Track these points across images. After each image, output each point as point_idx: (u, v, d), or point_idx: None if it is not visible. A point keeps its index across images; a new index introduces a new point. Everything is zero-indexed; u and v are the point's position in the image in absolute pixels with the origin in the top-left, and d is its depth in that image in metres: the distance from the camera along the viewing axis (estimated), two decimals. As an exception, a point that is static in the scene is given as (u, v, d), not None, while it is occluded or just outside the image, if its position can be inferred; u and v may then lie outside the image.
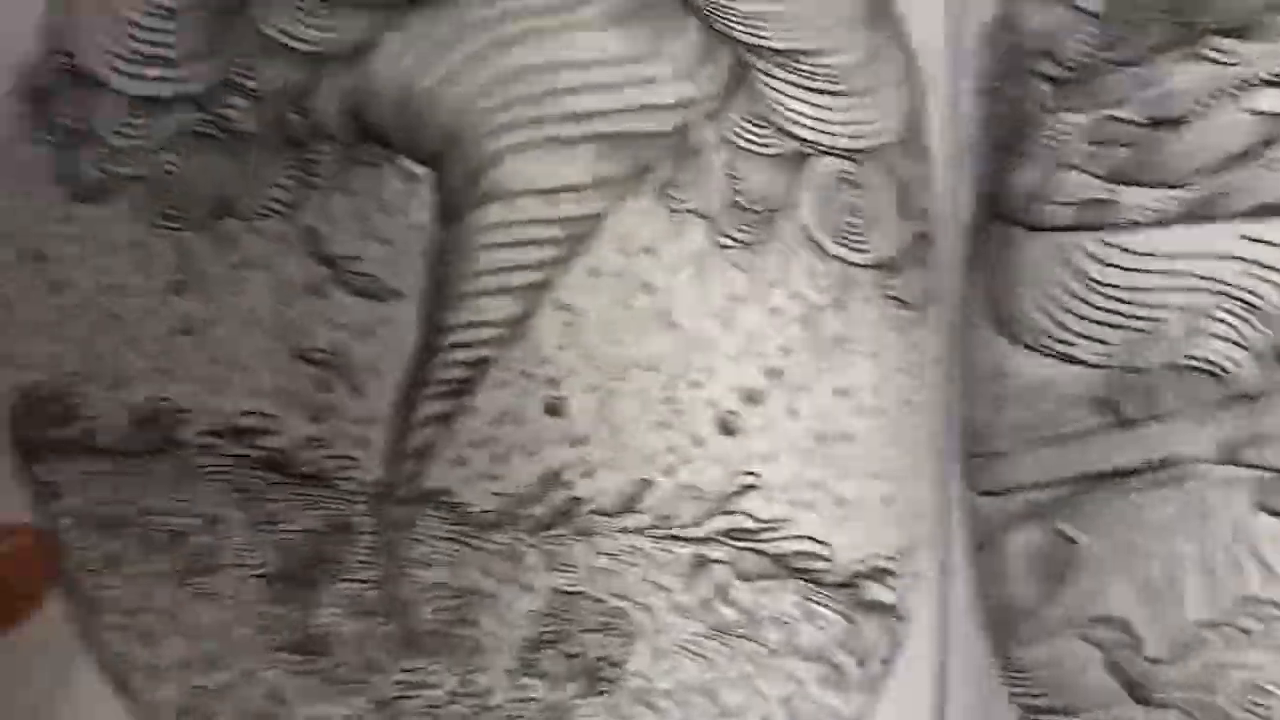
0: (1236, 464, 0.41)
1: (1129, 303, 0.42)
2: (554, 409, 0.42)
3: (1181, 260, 0.42)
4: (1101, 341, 0.43)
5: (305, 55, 0.41)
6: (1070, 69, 0.44)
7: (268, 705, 0.41)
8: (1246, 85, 0.42)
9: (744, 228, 0.43)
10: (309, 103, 0.41)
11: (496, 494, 0.41)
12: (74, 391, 0.40)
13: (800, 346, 0.43)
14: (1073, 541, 0.42)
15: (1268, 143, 0.42)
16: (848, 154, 0.43)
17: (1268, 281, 0.41)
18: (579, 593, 0.41)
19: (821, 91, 0.43)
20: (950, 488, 0.44)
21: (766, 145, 0.43)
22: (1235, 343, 0.41)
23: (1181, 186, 0.42)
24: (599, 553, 0.42)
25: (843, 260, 0.43)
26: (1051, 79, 0.44)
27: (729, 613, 0.42)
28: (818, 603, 0.42)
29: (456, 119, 0.42)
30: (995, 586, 0.43)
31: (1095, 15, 0.44)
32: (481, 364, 0.42)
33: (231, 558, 0.41)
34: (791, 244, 0.43)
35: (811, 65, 0.43)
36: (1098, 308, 0.43)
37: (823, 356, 0.43)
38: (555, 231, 0.42)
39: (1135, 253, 0.42)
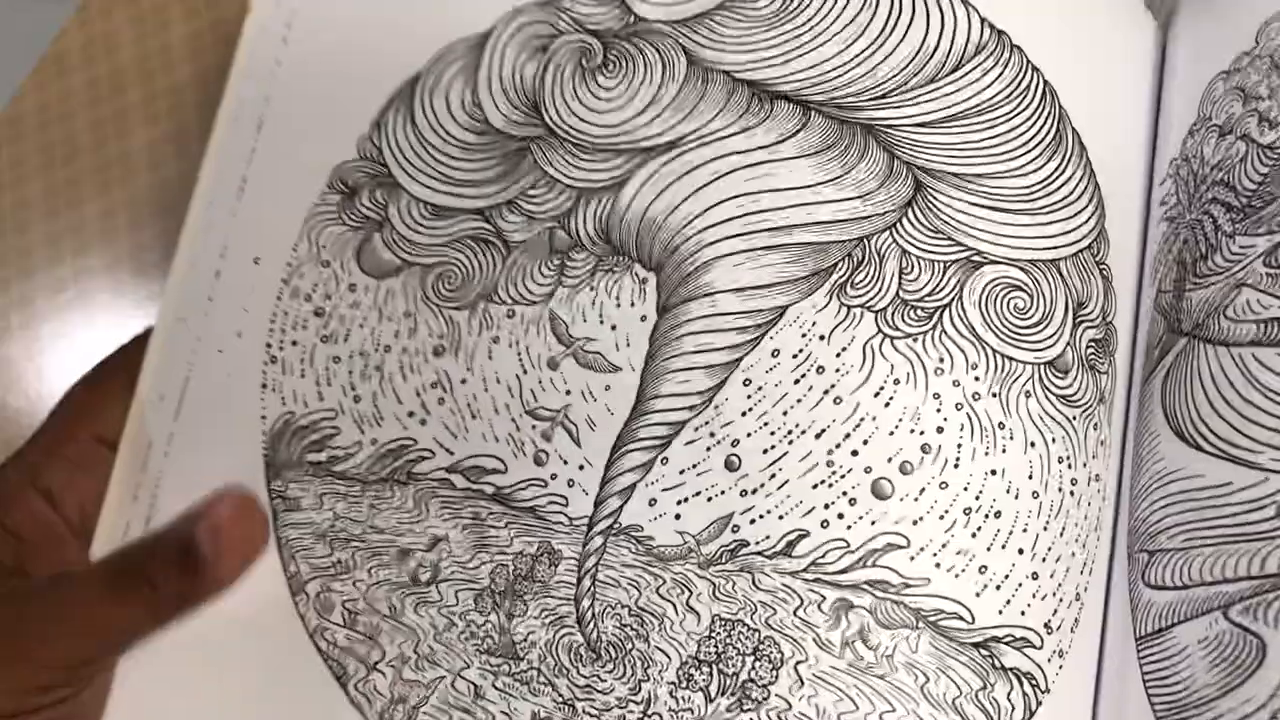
0: None
1: None
2: (731, 464, 0.49)
3: None
4: None
5: (572, 188, 0.54)
6: (1246, 196, 0.47)
7: (467, 699, 0.49)
8: None
9: (910, 321, 0.49)
10: (570, 222, 0.54)
11: (678, 531, 0.49)
12: (329, 425, 0.51)
13: (955, 427, 0.48)
14: (1258, 637, 0.42)
15: None
16: (1018, 263, 0.50)
17: None
18: (738, 620, 0.47)
19: (995, 209, 0.50)
20: (1115, 577, 0.46)
21: (938, 252, 0.50)
22: None
23: None
24: (757, 588, 0.47)
25: (1006, 356, 0.48)
26: (1228, 206, 0.48)
27: (867, 654, 0.45)
28: (952, 657, 0.45)
29: (676, 236, 0.52)
30: (1164, 674, 0.44)
31: (1276, 149, 0.47)
32: (678, 425, 0.50)
33: (449, 573, 0.50)
34: (955, 338, 0.49)
35: (986, 187, 0.51)
36: (1277, 417, 0.44)
37: (978, 438, 0.47)
38: (745, 322, 0.50)
39: None
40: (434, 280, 0.53)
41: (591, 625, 0.48)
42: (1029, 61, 0.52)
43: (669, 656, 0.47)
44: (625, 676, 0.47)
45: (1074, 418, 0.47)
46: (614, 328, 0.52)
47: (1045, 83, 0.51)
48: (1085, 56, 0.53)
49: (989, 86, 0.51)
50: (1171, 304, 0.48)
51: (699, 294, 0.51)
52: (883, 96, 0.52)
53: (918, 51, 0.52)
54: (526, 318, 0.52)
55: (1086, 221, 0.50)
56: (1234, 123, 0.49)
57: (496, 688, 0.48)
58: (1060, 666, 0.45)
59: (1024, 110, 0.51)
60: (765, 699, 0.46)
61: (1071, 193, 0.50)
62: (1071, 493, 0.47)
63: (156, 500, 0.49)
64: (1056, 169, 0.50)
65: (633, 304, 0.52)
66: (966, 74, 0.51)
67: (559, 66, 0.54)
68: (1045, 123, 0.51)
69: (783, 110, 0.52)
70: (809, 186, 0.51)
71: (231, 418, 0.50)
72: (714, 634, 0.47)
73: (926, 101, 0.51)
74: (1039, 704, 0.44)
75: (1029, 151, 0.50)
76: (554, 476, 0.50)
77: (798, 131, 0.52)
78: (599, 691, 0.48)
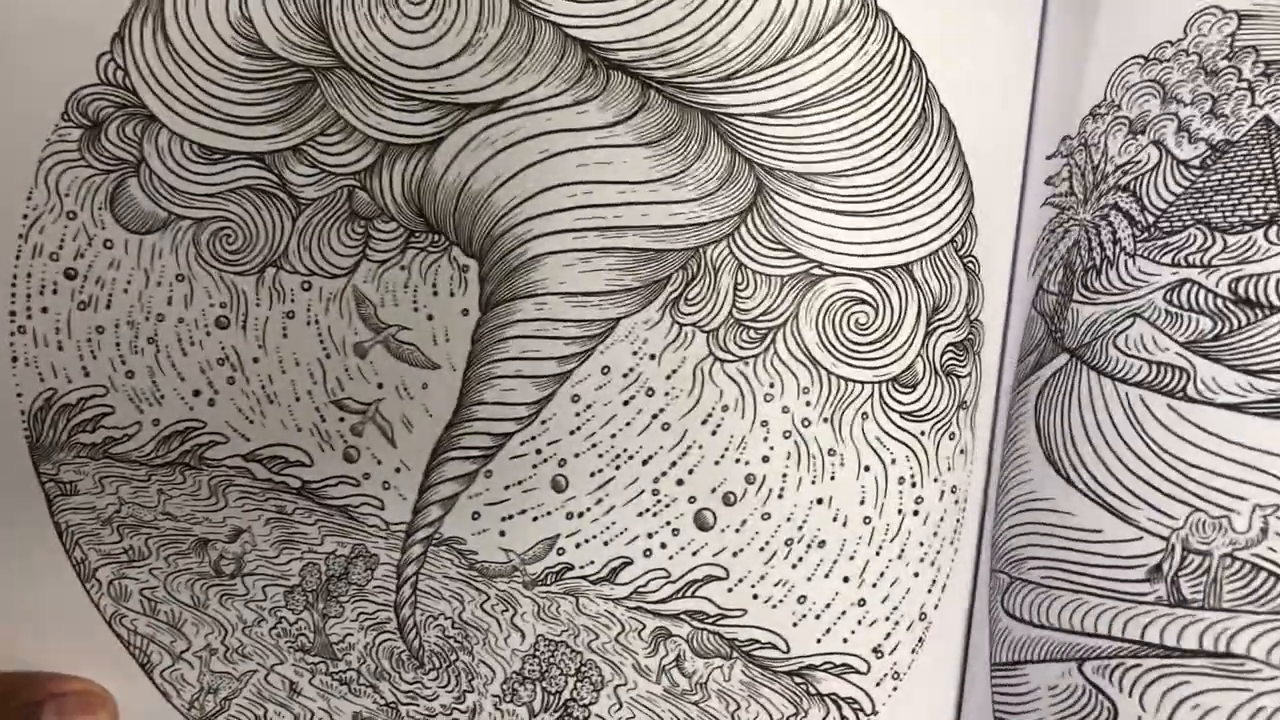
0: (1300, 675, 0.40)
1: (1197, 482, 0.41)
2: (558, 485, 0.47)
3: (1258, 456, 0.40)
4: (1162, 512, 0.41)
5: (374, 140, 0.46)
6: (1154, 214, 0.43)
7: (284, 694, 0.47)
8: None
9: (742, 343, 0.46)
10: (373, 183, 0.46)
11: (503, 548, 0.47)
12: (100, 403, 0.45)
13: (781, 456, 0.46)
14: (1110, 701, 0.42)
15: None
16: (863, 273, 0.46)
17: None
18: (561, 642, 0.47)
19: (840, 212, 0.46)
20: (980, 588, 0.45)
21: (776, 265, 0.46)
22: None
23: (1260, 376, 0.40)
24: (581, 612, 0.47)
25: (841, 377, 0.46)
26: (1131, 219, 0.43)
27: (682, 680, 0.47)
28: (765, 685, 0.47)
29: (501, 221, 0.46)
30: (1012, 709, 0.44)
31: (1192, 167, 0.42)
32: (503, 437, 0.47)
33: (254, 567, 0.47)
34: (788, 360, 0.46)
35: (833, 187, 0.46)
36: (1162, 476, 0.42)
37: (804, 467, 0.46)
38: (575, 331, 0.46)
39: (1208, 432, 0.41)
40: (209, 238, 0.46)
41: (414, 634, 0.47)
42: (894, 29, 0.46)
43: (494, 670, 0.47)
44: (450, 685, 0.47)
45: (922, 433, 0.46)
46: (431, 318, 0.46)
47: (912, 54, 0.45)
48: (961, 18, 0.46)
49: (847, 64, 0.45)
50: (1054, 309, 0.45)
51: (526, 293, 0.46)
52: (729, 78, 0.45)
53: (771, 18, 0.45)
54: (325, 292, 0.46)
55: (951, 212, 0.45)
56: (1147, 123, 0.43)
57: (314, 685, 0.47)
58: (894, 688, 0.46)
59: (885, 90, 0.45)
60: (586, 718, 0.47)
61: (935, 182, 0.45)
62: (915, 512, 0.46)
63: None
64: (919, 157, 0.45)
65: (452, 294, 0.46)
66: (822, 49, 0.45)
67: None
68: (909, 102, 0.45)
69: (620, 84, 0.45)
70: (646, 183, 0.45)
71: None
72: (538, 653, 0.47)
73: (775, 84, 0.45)
74: None
75: (888, 140, 0.45)
76: (366, 476, 0.47)
77: (636, 113, 0.45)
78: (423, 697, 0.48)
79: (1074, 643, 0.43)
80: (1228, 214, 0.42)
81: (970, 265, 0.46)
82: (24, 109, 0.44)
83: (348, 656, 0.47)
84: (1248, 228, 0.41)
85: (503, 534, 0.46)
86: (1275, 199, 0.41)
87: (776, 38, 0.44)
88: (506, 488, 0.46)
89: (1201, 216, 0.42)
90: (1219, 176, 0.42)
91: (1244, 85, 0.42)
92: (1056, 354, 0.45)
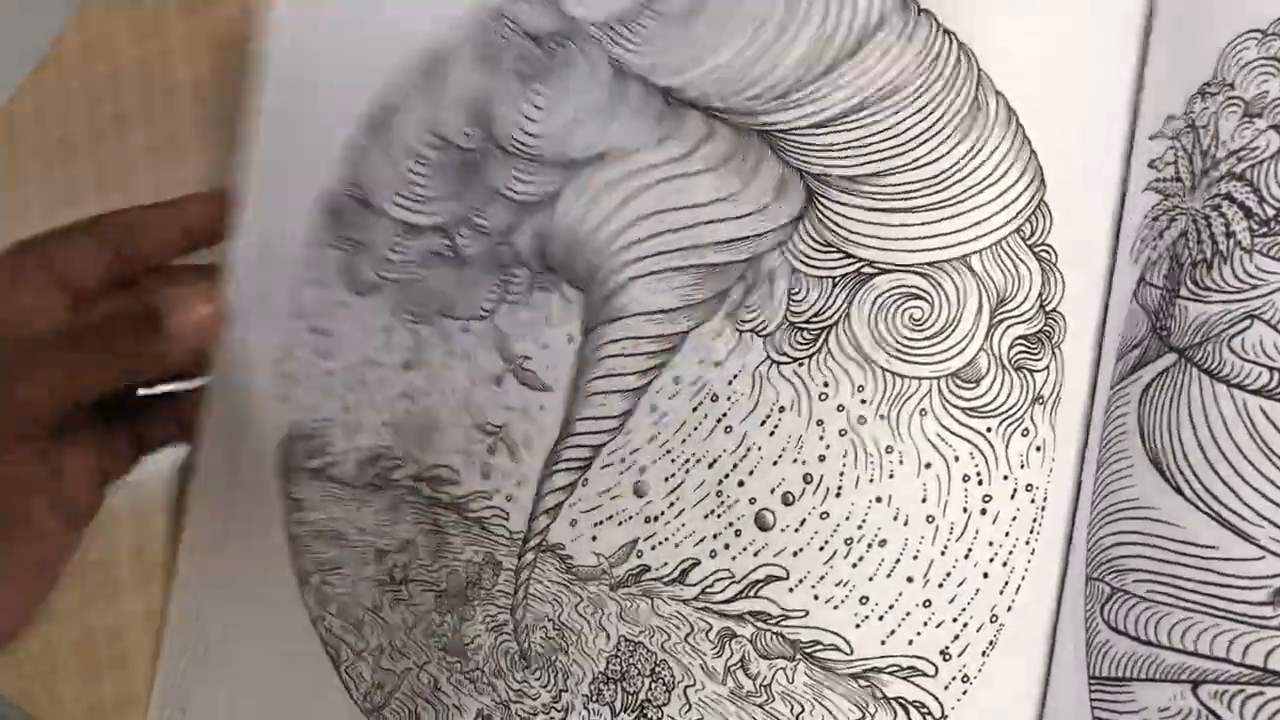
0: None
1: None
2: (639, 491, 0.49)
3: None
4: None
5: (515, 202, 0.54)
6: (1275, 207, 0.38)
7: (429, 691, 0.52)
8: None
9: (796, 345, 0.46)
10: (512, 238, 0.54)
11: (595, 553, 0.50)
12: (325, 433, 0.54)
13: (838, 455, 0.45)
14: None
15: None
16: (914, 268, 0.45)
17: None
18: (639, 643, 0.48)
19: (888, 210, 0.45)
20: (1068, 596, 0.41)
21: (827, 267, 0.46)
22: None
23: None
24: (656, 613, 0.48)
25: (896, 374, 0.45)
26: (1247, 211, 0.38)
27: (747, 682, 0.45)
28: (829, 688, 0.44)
29: (597, 256, 0.51)
30: None
31: None
32: (597, 449, 0.50)
33: (415, 574, 0.53)
34: (841, 359, 0.45)
35: (878, 186, 0.45)
36: None
37: (862, 466, 0.45)
38: (653, 346, 0.49)
39: None
40: (403, 295, 0.55)
41: (525, 634, 0.51)
42: (938, 25, 0.46)
43: (584, 670, 0.49)
44: (549, 685, 0.50)
45: (989, 429, 0.43)
46: (545, 346, 0.52)
47: (960, 45, 0.45)
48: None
49: (892, 65, 0.46)
50: (1159, 305, 0.40)
51: (615, 316, 0.50)
52: (781, 96, 0.47)
53: (817, 35, 0.47)
54: (476, 332, 0.53)
55: (1015, 201, 0.43)
56: (1267, 106, 0.38)
57: (451, 683, 0.52)
58: (964, 692, 0.42)
59: (932, 84, 0.45)
60: (659, 719, 0.47)
61: (992, 173, 0.44)
62: (983, 510, 0.43)
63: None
64: (973, 146, 0.44)
65: (561, 324, 0.52)
66: (866, 56, 0.46)
67: (505, 75, 0.54)
68: (959, 93, 0.45)
69: (692, 119, 0.49)
70: (712, 203, 0.48)
71: (254, 426, 0.55)
72: (620, 653, 0.48)
73: (824, 97, 0.47)
74: None
75: (935, 136, 0.45)
76: (497, 491, 0.52)
77: (704, 143, 0.49)
78: (528, 696, 0.50)
79: (1187, 664, 0.37)
80: None
81: (1044, 254, 0.43)
82: (297, 207, 0.56)
83: (476, 656, 0.51)
84: None
85: (594, 539, 0.49)
86: None
87: (823, 53, 0.46)
88: (598, 495, 0.49)
89: None
90: None
91: None
92: (1162, 353, 0.40)
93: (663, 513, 0.47)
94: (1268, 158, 0.38)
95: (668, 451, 0.47)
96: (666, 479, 0.47)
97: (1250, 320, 0.37)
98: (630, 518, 0.47)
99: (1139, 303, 0.41)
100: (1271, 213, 0.37)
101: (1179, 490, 0.38)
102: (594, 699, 0.47)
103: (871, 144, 0.45)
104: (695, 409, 0.47)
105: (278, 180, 0.55)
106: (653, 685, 0.46)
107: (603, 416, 0.49)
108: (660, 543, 0.47)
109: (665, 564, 0.46)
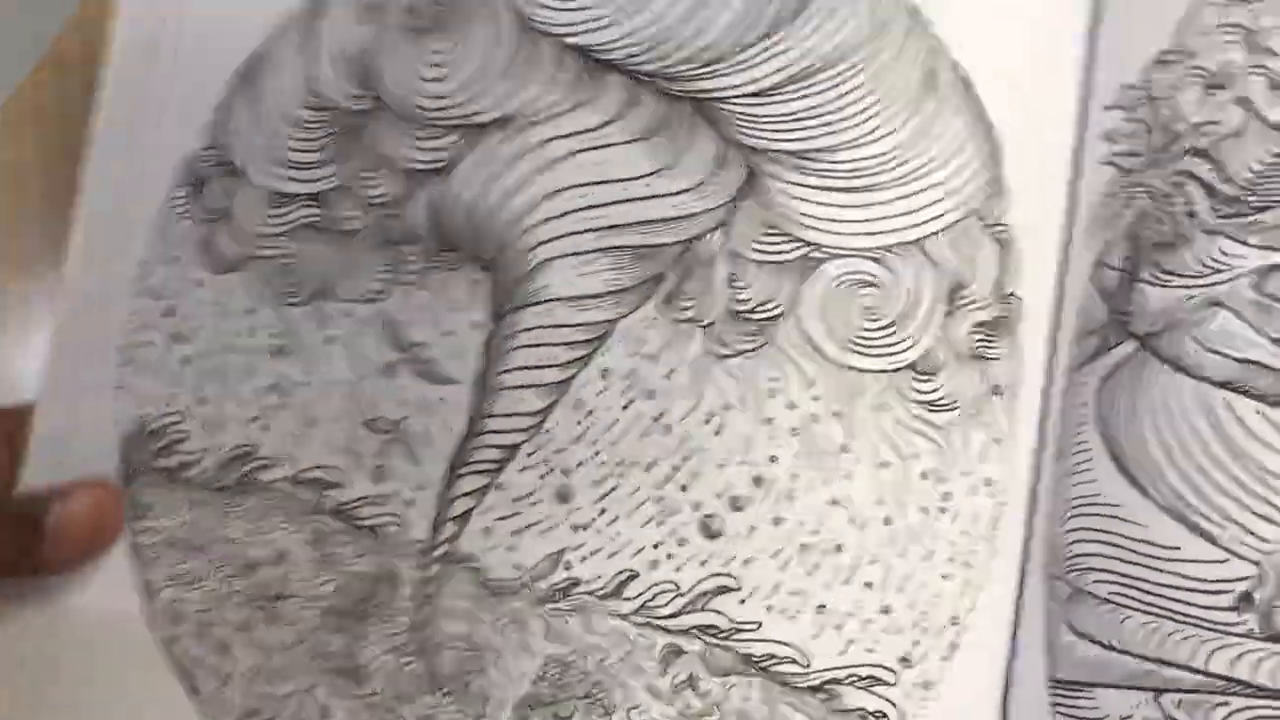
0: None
1: None
2: (564, 495, 0.44)
3: None
4: (1252, 533, 0.35)
5: (405, 171, 0.47)
6: (1239, 186, 0.36)
7: (318, 717, 0.47)
8: None
9: (741, 337, 0.43)
10: (403, 211, 0.47)
11: (513, 565, 0.45)
12: (177, 429, 0.46)
13: (790, 456, 0.42)
14: None
15: None
16: (867, 252, 0.42)
17: None
18: (571, 663, 0.43)
19: (840, 189, 0.42)
20: (1028, 592, 0.39)
21: (773, 252, 0.42)
22: None
23: None
24: (591, 631, 0.43)
25: (850, 367, 0.42)
26: (1210, 189, 0.37)
27: (696, 701, 0.42)
28: (786, 703, 0.41)
29: (507, 232, 0.46)
30: None
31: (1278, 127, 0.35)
32: (512, 449, 0.45)
33: (296, 588, 0.47)
34: (791, 352, 0.42)
35: (828, 163, 0.42)
36: (1250, 491, 0.35)
37: (816, 466, 0.42)
38: (576, 336, 0.44)
39: None
40: (272, 274, 0.48)
41: (431, 655, 0.46)
42: None
43: (505, 694, 0.44)
44: (465, 711, 0.45)
45: (947, 423, 0.41)
46: (448, 334, 0.46)
47: (911, 12, 0.42)
48: None
49: (836, 32, 0.42)
50: (1118, 290, 0.38)
51: (530, 301, 0.45)
52: (715, 62, 0.43)
53: None
54: (361, 317, 0.47)
55: (972, 179, 0.41)
56: (1231, 76, 0.37)
57: (343, 708, 0.46)
58: (925, 699, 0.40)
59: (880, 55, 0.42)
60: None
61: (948, 148, 0.41)
62: (943, 509, 0.40)
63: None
64: (925, 124, 0.40)
65: (465, 308, 0.46)
66: (808, 20, 0.42)
67: (391, 28, 0.47)
68: (910, 65, 0.42)
69: (613, 84, 0.44)
70: (639, 178, 0.44)
71: (90, 421, 0.47)
72: (548, 675, 0.44)
73: (762, 62, 0.42)
74: None
75: (887, 108, 0.41)
76: (393, 495, 0.46)
77: (628, 111, 0.44)
78: None
79: (1150, 670, 0.36)
80: None
81: (1001, 235, 0.40)
82: (149, 174, 0.47)
83: (374, 680, 0.46)
84: None
85: (512, 549, 0.44)
86: None
87: (761, 14, 0.42)
88: (515, 501, 0.44)
89: None
90: None
91: None
92: (1122, 340, 0.38)
93: (593, 520, 0.42)
94: (1231, 133, 0.36)
95: (597, 453, 0.43)
96: (596, 483, 0.42)
97: (1215, 308, 0.36)
98: (554, 526, 0.43)
99: (1096, 286, 0.39)
100: (1235, 192, 0.36)
101: (1140, 487, 0.37)
102: None
103: (816, 117, 0.41)
104: (628, 406, 0.42)
105: (130, 144, 0.47)
106: (589, 708, 0.42)
107: (518, 413, 0.44)
108: (592, 553, 0.42)
109: (598, 576, 0.42)
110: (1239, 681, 0.34)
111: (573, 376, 0.43)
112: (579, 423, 0.43)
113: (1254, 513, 0.34)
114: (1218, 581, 0.35)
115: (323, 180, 0.47)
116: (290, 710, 0.45)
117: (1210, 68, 0.37)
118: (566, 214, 0.43)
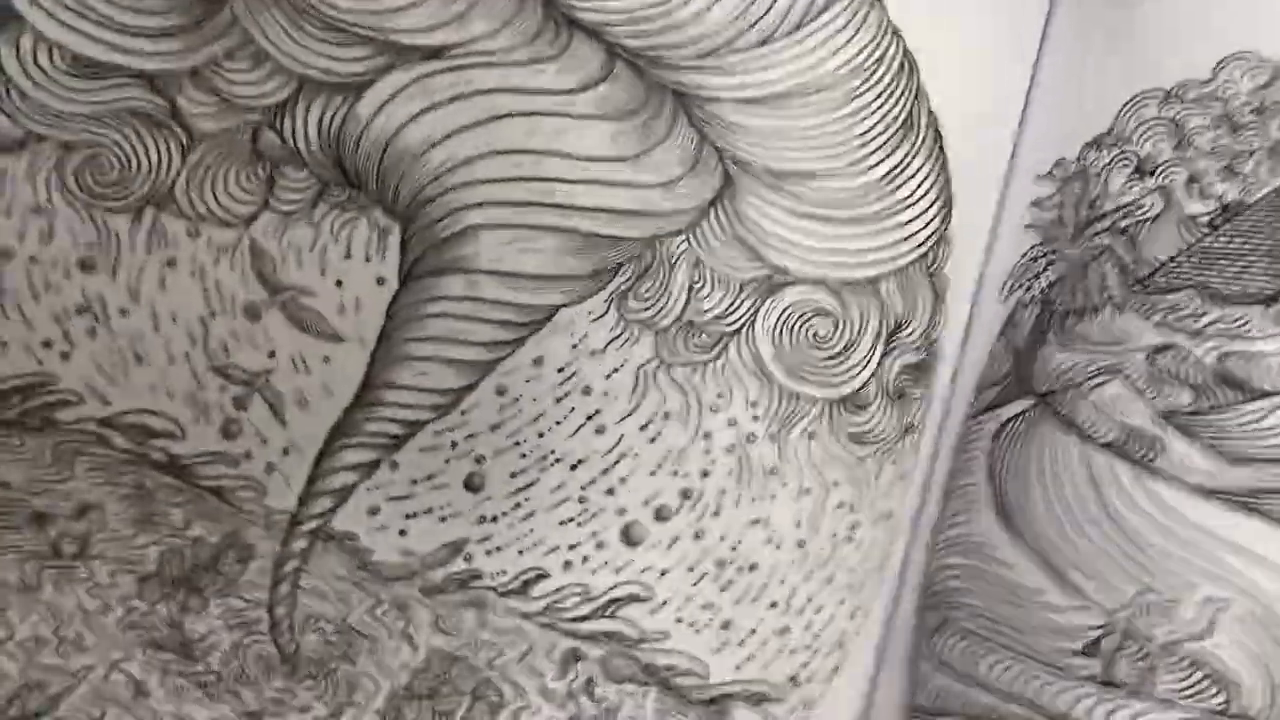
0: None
1: (1150, 561, 0.34)
2: (473, 484, 0.37)
3: (1218, 545, 0.34)
4: (1112, 586, 0.35)
5: (292, 73, 0.36)
6: (1150, 267, 0.35)
7: (126, 696, 0.36)
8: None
9: (693, 348, 0.37)
10: (285, 123, 0.36)
11: (402, 550, 0.37)
12: None
13: (722, 473, 0.38)
14: None
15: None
16: (825, 284, 0.37)
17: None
18: (461, 658, 0.38)
19: (810, 218, 0.37)
20: (899, 619, 0.38)
21: (736, 268, 0.37)
22: (1252, 656, 0.33)
23: (1235, 462, 0.34)
24: (486, 626, 0.38)
25: (793, 393, 0.37)
26: (1124, 267, 0.36)
27: (590, 707, 0.38)
28: (677, 714, 0.39)
29: (433, 184, 0.36)
30: None
31: (1200, 224, 0.35)
32: (414, 425, 0.37)
33: (102, 549, 0.34)
34: (740, 371, 0.37)
35: (805, 190, 0.37)
36: (1118, 548, 0.35)
37: (745, 485, 0.38)
38: (509, 316, 0.36)
39: (1171, 510, 0.34)
40: (78, 166, 0.34)
41: (288, 636, 0.38)
42: (889, 23, 0.38)
43: (378, 684, 0.38)
44: (326, 697, 0.38)
45: (866, 456, 0.36)
46: (340, 283, 0.36)
47: (905, 51, 0.37)
48: (960, 19, 0.37)
49: (835, 54, 0.37)
50: (1024, 348, 0.36)
51: (455, 268, 0.36)
52: (708, 54, 0.36)
53: None
54: (217, 242, 0.36)
55: (927, 226, 0.35)
56: (1157, 165, 0.35)
57: (164, 687, 0.37)
58: (804, 718, 0.37)
59: (872, 88, 0.37)
60: None
61: (915, 191, 0.35)
62: (849, 538, 0.35)
63: None
64: (900, 163, 0.35)
65: (368, 258, 0.35)
66: (809, 35, 0.37)
67: None
68: (897, 104, 0.36)
69: (584, 48, 0.36)
70: (604, 160, 0.36)
71: None
72: (430, 668, 0.38)
73: (756, 70, 0.36)
74: None
75: (870, 143, 0.37)
76: (248, 456, 0.36)
77: (598, 83, 0.36)
78: (293, 708, 0.38)
79: (996, 706, 0.35)
80: (1229, 282, 0.33)
81: (937, 285, 0.38)
82: None
83: (208, 658, 0.37)
84: (1248, 300, 0.33)
85: (404, 533, 0.36)
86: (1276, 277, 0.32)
87: (761, 16, 0.36)
88: (414, 482, 0.35)
89: (1202, 279, 0.34)
90: (1226, 240, 0.33)
91: (1267, 146, 0.36)
92: (1021, 395, 0.36)
93: (505, 513, 0.36)
94: (1150, 217, 0.37)
95: (518, 444, 0.36)
96: (513, 475, 0.36)
97: (1110, 375, 0.37)
98: (458, 514, 0.35)
99: (1006, 341, 0.39)
100: (1146, 272, 0.36)
101: (1016, 531, 0.37)
102: (392, 716, 0.37)
103: (802, 139, 0.35)
104: (561, 400, 0.36)
105: None
106: (473, 706, 0.37)
107: (425, 389, 0.35)
108: (499, 548, 0.36)
109: (503, 572, 0.36)
110: (1073, 720, 0.33)
111: (500, 359, 0.36)
112: (501, 409, 0.35)
113: (1117, 568, 0.34)
114: (1071, 628, 0.34)
115: (160, 57, 0.33)
116: (89, 687, 0.36)
117: (1140, 154, 0.37)
118: (509, 180, 0.35)
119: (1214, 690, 0.33)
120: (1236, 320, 0.33)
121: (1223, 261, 0.33)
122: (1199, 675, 0.33)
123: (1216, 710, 0.33)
